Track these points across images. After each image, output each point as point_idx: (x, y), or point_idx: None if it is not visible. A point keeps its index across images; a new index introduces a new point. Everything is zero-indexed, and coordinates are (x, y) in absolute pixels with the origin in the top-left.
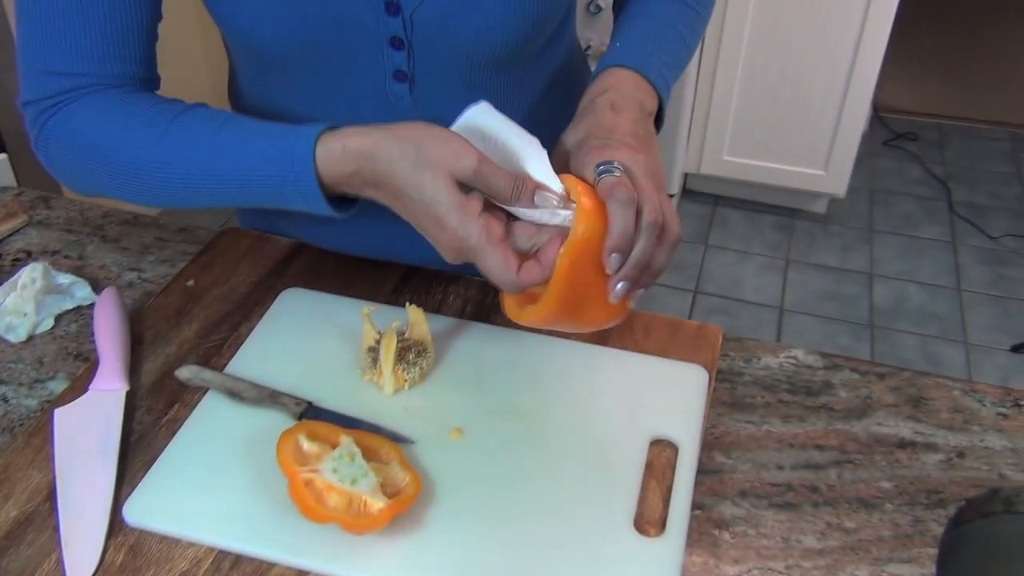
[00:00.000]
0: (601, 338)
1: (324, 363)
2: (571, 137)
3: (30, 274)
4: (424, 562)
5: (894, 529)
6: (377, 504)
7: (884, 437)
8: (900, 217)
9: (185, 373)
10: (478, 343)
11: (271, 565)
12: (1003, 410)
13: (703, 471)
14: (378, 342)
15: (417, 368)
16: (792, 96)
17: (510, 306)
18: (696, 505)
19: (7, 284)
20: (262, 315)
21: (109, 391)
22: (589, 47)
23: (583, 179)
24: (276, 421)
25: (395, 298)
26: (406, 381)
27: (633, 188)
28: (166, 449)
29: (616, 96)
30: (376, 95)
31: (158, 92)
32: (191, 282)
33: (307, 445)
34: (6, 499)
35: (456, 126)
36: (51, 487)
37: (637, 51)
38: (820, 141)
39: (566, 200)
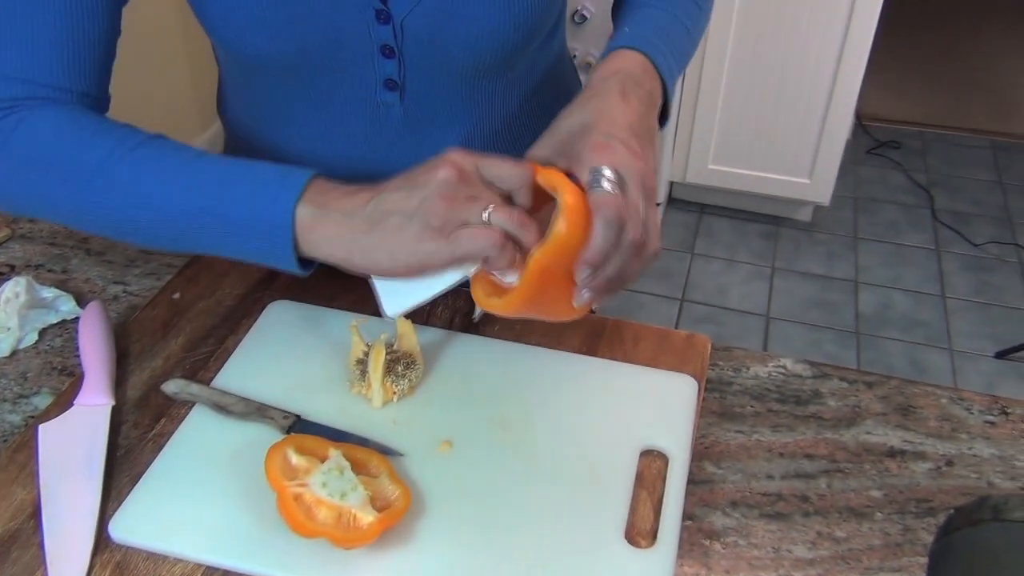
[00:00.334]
0: (590, 348)
1: (312, 376)
2: (575, 117)
3: (13, 288)
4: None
5: (884, 538)
6: (366, 518)
7: (873, 446)
8: (884, 225)
9: (171, 387)
10: (467, 355)
11: None
12: (991, 418)
13: (693, 481)
14: (366, 354)
15: (406, 380)
16: (776, 105)
17: (478, 292)
18: (687, 516)
19: None
20: (249, 328)
21: (94, 406)
22: (575, 56)
23: (572, 175)
24: (264, 435)
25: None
26: (395, 394)
27: (623, 205)
28: (152, 464)
29: (627, 81)
30: (367, 103)
31: (107, 114)
32: (177, 295)
33: (296, 459)
34: None
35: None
36: (35, 504)
37: (648, 37)
38: (804, 150)
39: (551, 194)
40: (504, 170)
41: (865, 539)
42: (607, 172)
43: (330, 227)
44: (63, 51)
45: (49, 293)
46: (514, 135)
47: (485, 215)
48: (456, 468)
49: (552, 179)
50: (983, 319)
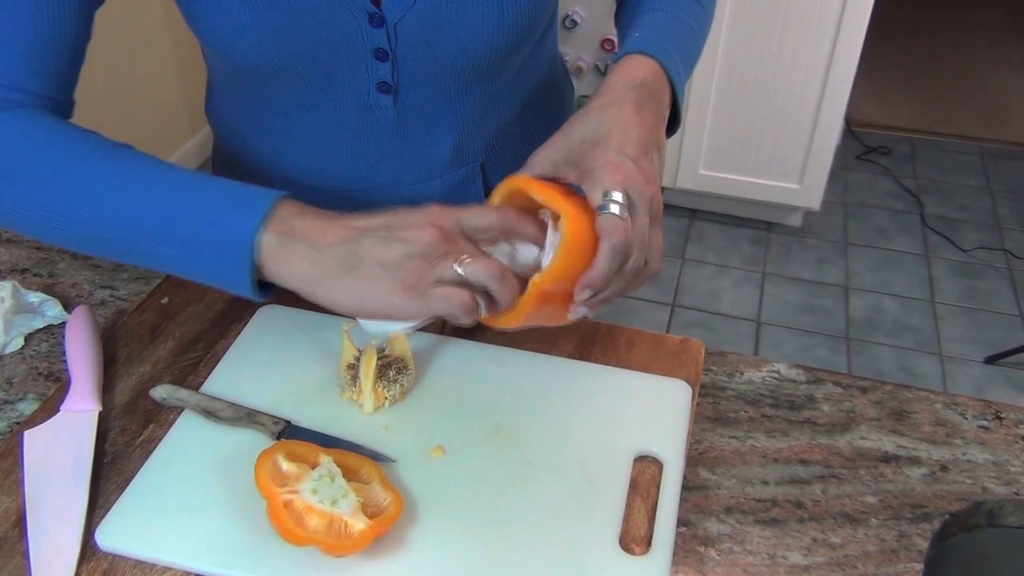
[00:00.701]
0: (584, 353)
1: (302, 381)
2: (588, 126)
3: None
4: None
5: (880, 544)
6: (358, 525)
7: (868, 451)
8: (874, 230)
9: (160, 392)
10: (459, 360)
11: None
12: (984, 423)
13: (688, 487)
14: (358, 359)
15: (397, 386)
16: (766, 111)
17: None
18: (681, 522)
19: None
20: (239, 333)
21: (81, 412)
22: (565, 61)
23: (577, 188)
24: (254, 441)
25: None
26: (386, 399)
27: (630, 231)
28: (140, 471)
29: (642, 92)
30: (360, 107)
31: (91, 118)
32: (165, 299)
33: (286, 465)
34: None
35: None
36: (20, 512)
37: (660, 43)
38: (794, 155)
39: (553, 221)
40: (483, 220)
41: (860, 545)
42: (618, 196)
43: (296, 260)
44: (29, 54)
45: (35, 298)
46: (508, 138)
47: (459, 269)
48: (449, 474)
49: (555, 202)
50: (972, 324)
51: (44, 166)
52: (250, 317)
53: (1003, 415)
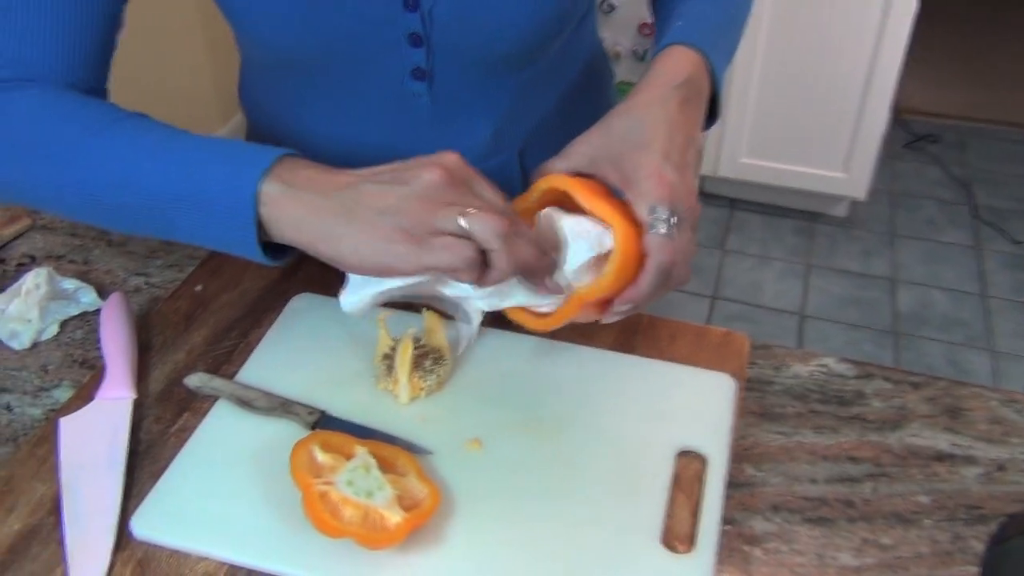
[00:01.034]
0: (625, 345)
1: (337, 371)
2: (631, 123)
3: (34, 279)
4: None
5: (933, 546)
6: (394, 518)
7: (920, 449)
8: (922, 221)
9: (194, 381)
10: (497, 350)
11: None
12: None
13: (733, 484)
14: (393, 349)
15: (434, 376)
16: (811, 97)
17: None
18: (726, 520)
19: (10, 290)
20: (273, 321)
21: (116, 400)
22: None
23: (617, 191)
24: (288, 431)
25: (411, 303)
26: (422, 390)
27: (675, 252)
28: (175, 460)
29: (690, 91)
30: (394, 94)
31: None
32: (200, 287)
33: (321, 456)
34: (9, 512)
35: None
36: (56, 499)
37: (705, 34)
38: (840, 143)
39: (603, 226)
40: (491, 196)
41: (913, 546)
42: (665, 214)
43: (298, 207)
44: (61, 39)
45: (70, 284)
46: (547, 127)
47: (463, 221)
48: (486, 467)
49: (607, 215)
50: None
51: (60, 140)
52: (284, 305)
53: None
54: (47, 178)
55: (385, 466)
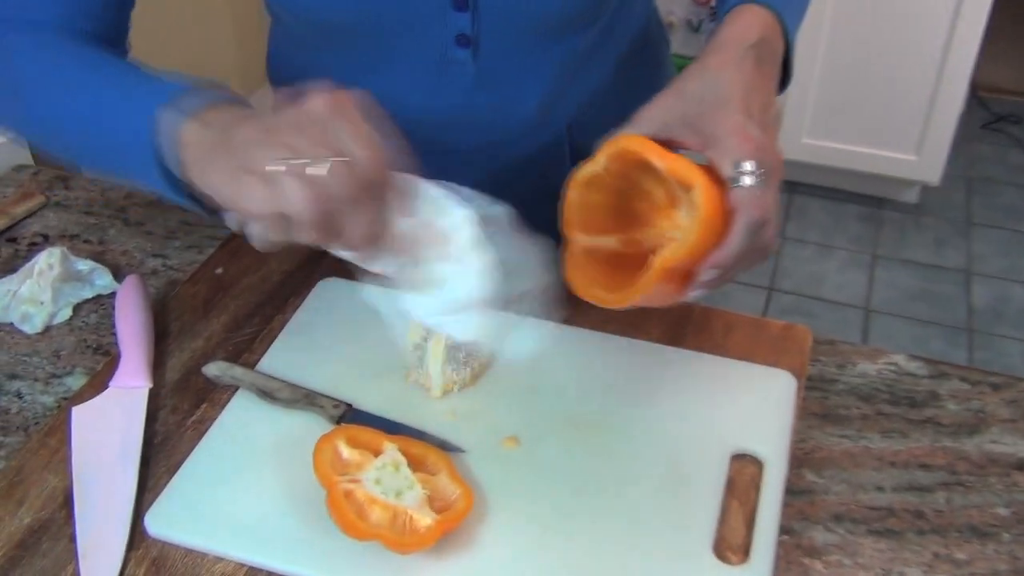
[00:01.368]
0: (674, 338)
1: (365, 361)
2: (705, 83)
3: (47, 260)
4: None
5: (1012, 562)
6: (424, 520)
7: (1000, 457)
8: (1001, 208)
9: (213, 370)
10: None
11: None
12: None
13: (791, 491)
14: (425, 339)
15: (468, 369)
16: (881, 72)
17: (577, 280)
18: (784, 530)
19: (22, 270)
20: (297, 307)
21: (131, 388)
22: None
23: (690, 153)
24: (312, 424)
25: None
26: (455, 383)
27: (765, 206)
28: (192, 453)
29: (764, 51)
30: (437, 62)
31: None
32: (220, 270)
33: (347, 452)
34: (19, 504)
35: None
36: (67, 492)
37: None
38: (912, 123)
39: (685, 188)
40: (356, 148)
41: (990, 562)
42: (751, 167)
43: (201, 147)
44: None
45: (84, 266)
46: (599, 100)
47: (271, 167)
48: (522, 467)
49: (686, 173)
50: None
51: (39, 82)
52: (309, 291)
53: None
54: (26, 120)
55: (415, 464)
